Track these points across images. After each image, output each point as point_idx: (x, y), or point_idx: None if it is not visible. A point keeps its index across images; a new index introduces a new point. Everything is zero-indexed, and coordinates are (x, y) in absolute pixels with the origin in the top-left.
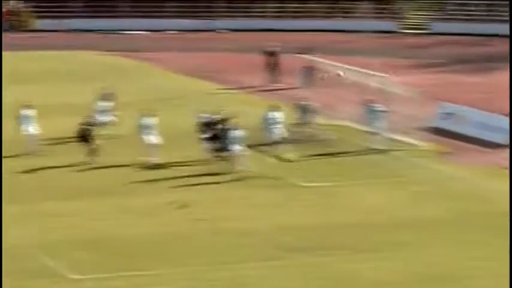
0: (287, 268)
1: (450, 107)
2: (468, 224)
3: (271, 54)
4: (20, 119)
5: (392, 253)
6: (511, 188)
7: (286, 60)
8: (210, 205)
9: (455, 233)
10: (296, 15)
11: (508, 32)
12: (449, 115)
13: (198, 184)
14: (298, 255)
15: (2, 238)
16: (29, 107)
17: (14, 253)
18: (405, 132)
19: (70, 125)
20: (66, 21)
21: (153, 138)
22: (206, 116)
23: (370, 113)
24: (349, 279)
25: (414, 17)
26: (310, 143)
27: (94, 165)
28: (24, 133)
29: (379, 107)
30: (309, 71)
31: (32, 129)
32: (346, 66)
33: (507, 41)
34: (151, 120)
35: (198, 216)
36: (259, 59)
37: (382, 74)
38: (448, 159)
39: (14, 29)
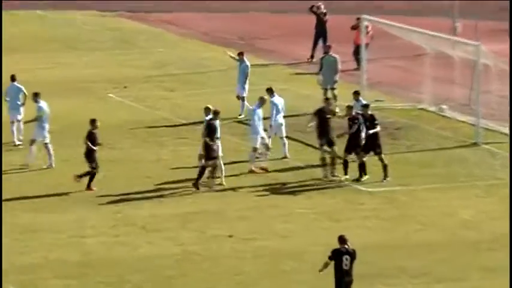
0: None
1: None
2: None
3: (319, 15)
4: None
5: (484, 282)
6: (511, 189)
7: (340, 22)
8: (240, 215)
9: None
10: None
11: None
12: None
13: (222, 190)
14: (357, 285)
15: None
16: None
17: None
18: (501, 119)
19: (67, 108)
20: None
21: None
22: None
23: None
24: None
25: None
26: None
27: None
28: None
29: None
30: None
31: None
32: (421, 30)
33: None
34: None
35: (223, 231)
36: (304, 22)
37: (472, 42)
38: None
39: None
